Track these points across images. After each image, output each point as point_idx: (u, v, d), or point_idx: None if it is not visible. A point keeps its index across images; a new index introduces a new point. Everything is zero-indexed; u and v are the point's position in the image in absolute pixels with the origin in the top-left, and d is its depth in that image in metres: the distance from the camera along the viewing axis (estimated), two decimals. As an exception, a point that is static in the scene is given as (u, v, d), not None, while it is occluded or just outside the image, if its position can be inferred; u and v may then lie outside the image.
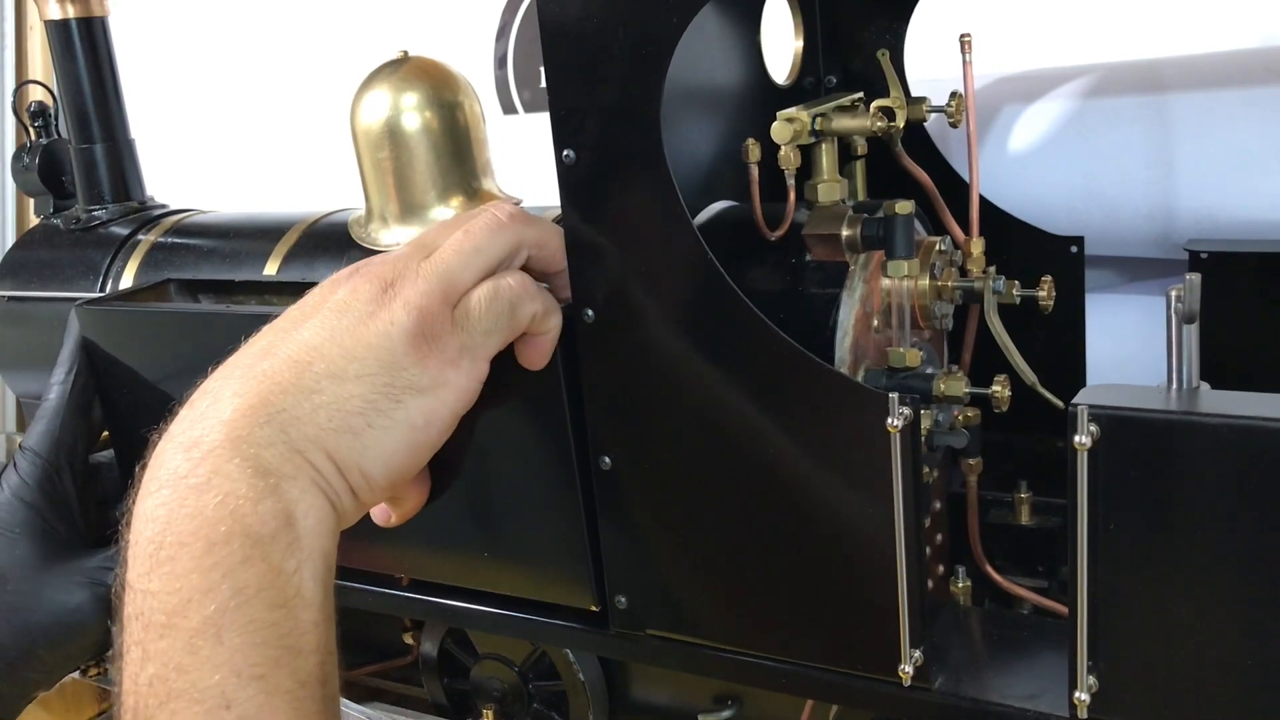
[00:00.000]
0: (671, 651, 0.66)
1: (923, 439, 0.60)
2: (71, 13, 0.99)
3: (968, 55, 0.66)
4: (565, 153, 0.58)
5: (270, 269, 0.85)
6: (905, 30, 0.77)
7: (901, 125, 0.67)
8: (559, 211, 0.60)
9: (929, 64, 0.78)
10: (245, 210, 0.97)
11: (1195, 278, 0.50)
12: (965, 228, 0.70)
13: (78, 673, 1.01)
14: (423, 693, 0.94)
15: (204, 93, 1.61)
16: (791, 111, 0.63)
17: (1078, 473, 0.51)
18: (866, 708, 0.67)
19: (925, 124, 0.72)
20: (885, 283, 0.64)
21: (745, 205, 0.66)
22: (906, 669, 0.57)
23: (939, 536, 0.71)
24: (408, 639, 0.95)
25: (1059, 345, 0.78)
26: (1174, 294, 0.50)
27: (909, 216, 0.62)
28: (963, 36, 0.66)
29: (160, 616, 0.49)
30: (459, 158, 0.78)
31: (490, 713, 0.87)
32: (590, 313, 0.60)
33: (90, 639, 0.73)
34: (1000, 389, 0.64)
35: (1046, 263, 0.75)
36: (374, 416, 0.55)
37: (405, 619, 0.94)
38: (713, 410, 0.58)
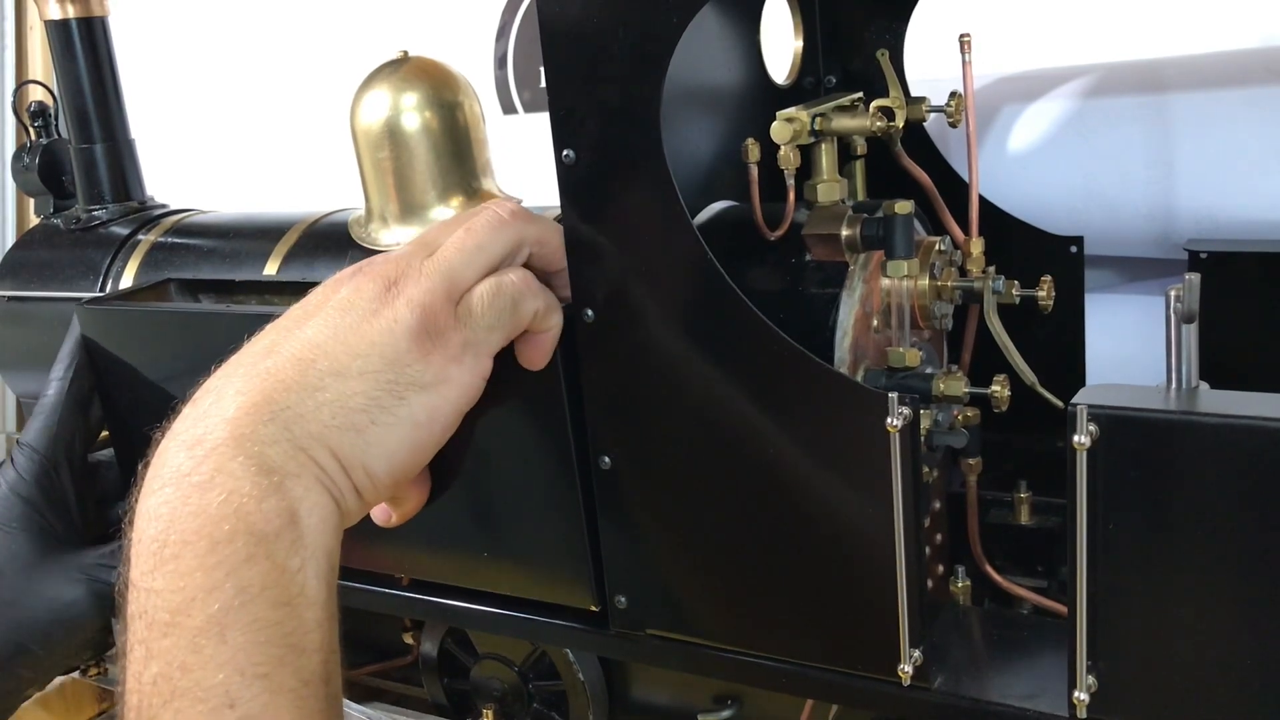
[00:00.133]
0: (671, 651, 0.66)
1: (922, 439, 0.60)
2: (71, 13, 0.99)
3: (967, 55, 0.66)
4: (565, 153, 0.58)
5: (270, 269, 0.85)
6: (905, 30, 0.77)
7: (901, 125, 0.67)
8: (559, 211, 0.60)
9: (929, 64, 0.78)
10: (245, 210, 0.97)
11: (1195, 278, 0.50)
12: (965, 228, 0.70)
13: (78, 673, 1.02)
14: (423, 693, 0.94)
15: (204, 93, 1.61)
16: (791, 111, 0.63)
17: (1077, 473, 0.51)
18: (866, 708, 0.67)
19: (925, 124, 0.72)
20: (885, 283, 0.64)
21: (745, 205, 0.66)
22: (906, 669, 0.57)
23: (939, 536, 0.71)
24: (408, 639, 0.95)
25: (1059, 345, 0.78)
26: (1173, 294, 0.50)
27: (909, 216, 0.62)
28: (963, 36, 0.66)
29: (164, 615, 0.49)
30: (459, 158, 0.78)
31: (490, 713, 0.87)
32: (590, 312, 0.60)
33: (85, 635, 0.73)
34: (1000, 389, 0.64)
35: (1046, 263, 0.75)
36: (377, 413, 0.55)
37: (405, 619, 0.94)
38: (713, 410, 0.59)
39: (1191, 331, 0.51)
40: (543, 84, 1.04)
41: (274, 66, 1.54)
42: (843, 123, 0.65)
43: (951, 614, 0.67)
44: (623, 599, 0.65)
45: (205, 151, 1.57)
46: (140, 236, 0.96)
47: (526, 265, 0.61)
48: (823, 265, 0.64)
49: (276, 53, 1.54)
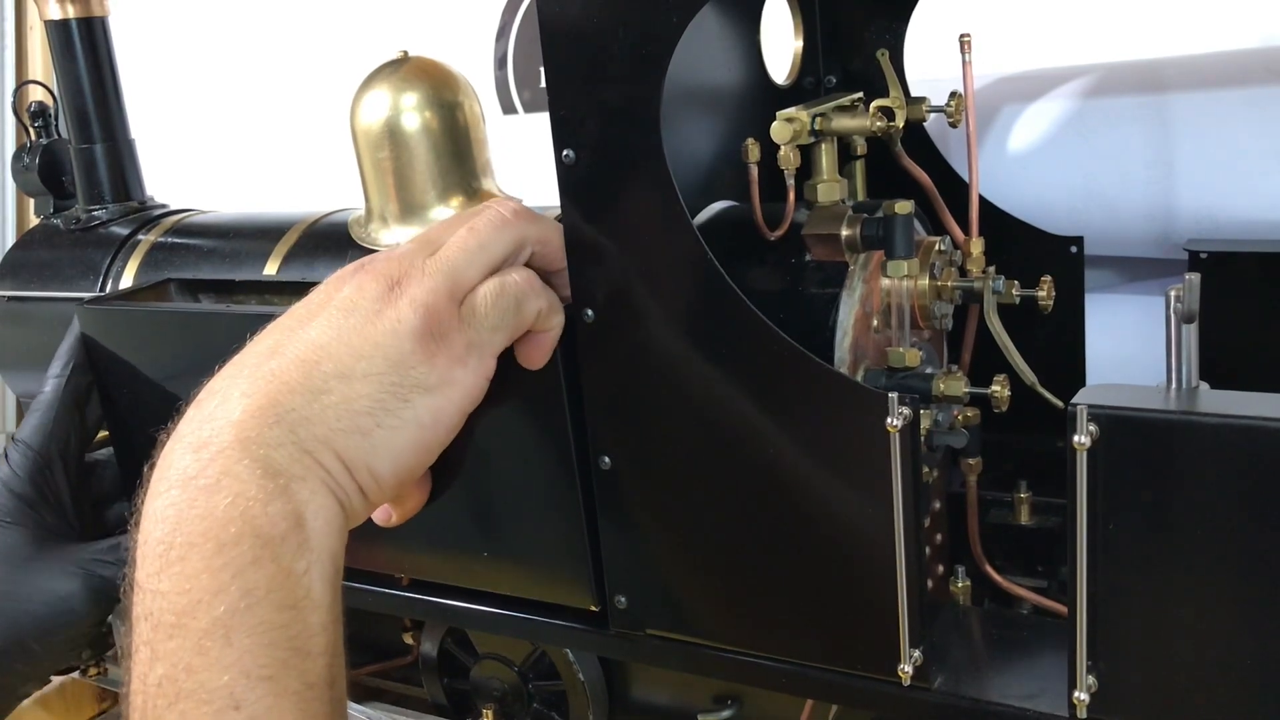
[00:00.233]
0: (671, 651, 0.66)
1: (922, 439, 0.60)
2: (71, 13, 0.99)
3: (968, 55, 0.66)
4: (565, 153, 0.58)
5: (270, 269, 0.85)
6: (905, 30, 0.77)
7: (901, 125, 0.67)
8: (559, 211, 0.60)
9: (929, 64, 0.78)
10: (245, 210, 0.97)
11: (1195, 278, 0.50)
12: (965, 228, 0.70)
13: (78, 673, 1.01)
14: (423, 693, 0.94)
15: (204, 93, 1.61)
16: (791, 111, 0.63)
17: (1077, 473, 0.51)
18: (866, 708, 0.67)
19: (925, 124, 0.72)
20: (885, 283, 0.64)
21: (745, 205, 0.66)
22: (906, 669, 0.57)
23: (939, 536, 0.71)
24: (408, 639, 0.95)
25: (1059, 345, 0.78)
26: (1174, 294, 0.50)
27: (909, 216, 0.62)
28: (963, 36, 0.66)
29: (169, 617, 0.49)
30: (459, 158, 0.78)
31: (490, 713, 0.87)
32: (590, 312, 0.60)
33: (81, 630, 0.73)
34: (1000, 389, 0.64)
35: (1046, 263, 0.75)
36: (383, 416, 0.55)
37: (405, 619, 0.94)
38: (713, 410, 0.59)
39: (1191, 331, 0.51)
40: (543, 84, 1.04)
41: (274, 66, 1.54)
42: (843, 123, 0.65)
43: (951, 614, 0.67)
44: (623, 599, 0.65)
45: (205, 151, 1.56)
46: (140, 236, 0.96)
47: (527, 265, 0.61)
48: (823, 265, 0.64)
49: (276, 53, 1.54)
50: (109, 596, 0.72)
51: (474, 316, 0.57)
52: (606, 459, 0.62)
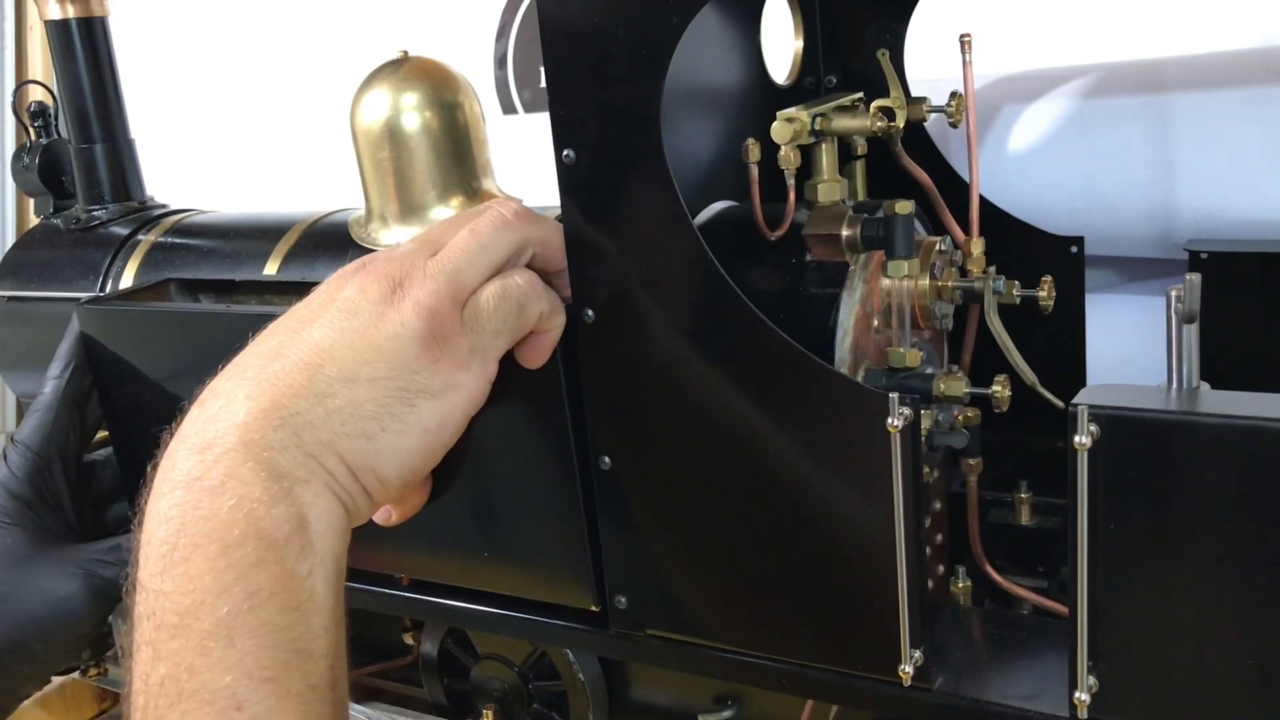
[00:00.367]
0: (671, 651, 0.66)
1: (923, 439, 0.60)
2: (71, 13, 0.99)
3: (968, 55, 0.66)
4: (565, 153, 0.58)
5: (270, 269, 0.85)
6: (905, 30, 0.77)
7: (901, 125, 0.67)
8: (559, 211, 0.60)
9: (929, 64, 0.78)
10: (245, 210, 0.97)
11: (1195, 278, 0.50)
12: (965, 228, 0.70)
13: (78, 673, 1.01)
14: (423, 693, 0.94)
15: (204, 93, 1.61)
16: (791, 111, 0.63)
17: (1078, 473, 0.51)
18: (866, 708, 0.67)
19: (925, 124, 0.72)
20: (885, 283, 0.64)
21: (745, 205, 0.66)
22: (906, 669, 0.57)
23: (939, 536, 0.71)
24: (408, 639, 0.95)
25: (1059, 345, 0.78)
26: (1174, 294, 0.50)
27: (909, 216, 0.62)
28: (963, 36, 0.66)
29: (172, 617, 0.50)
30: (459, 158, 0.78)
31: (490, 713, 0.87)
32: (590, 313, 0.60)
33: (82, 630, 0.73)
34: (1000, 389, 0.64)
35: (1046, 263, 0.75)
36: (387, 421, 0.55)
37: (405, 619, 0.94)
38: (713, 410, 0.58)
39: (1192, 331, 0.51)
40: (543, 84, 1.04)
41: (274, 66, 1.54)
42: (843, 123, 0.65)
43: (952, 614, 0.67)
44: (623, 599, 0.65)
45: (205, 151, 1.56)
46: (140, 236, 0.96)
47: (528, 266, 0.61)
48: (823, 265, 0.64)
49: (276, 53, 1.54)
50: (109, 597, 0.72)
51: (477, 320, 0.57)
52: (606, 459, 0.62)
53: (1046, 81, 0.89)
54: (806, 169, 0.66)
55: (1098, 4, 0.93)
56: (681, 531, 0.62)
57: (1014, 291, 0.67)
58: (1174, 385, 0.51)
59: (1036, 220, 0.79)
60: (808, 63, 0.78)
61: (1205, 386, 0.51)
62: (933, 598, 0.67)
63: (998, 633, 0.64)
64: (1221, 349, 0.63)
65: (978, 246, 0.69)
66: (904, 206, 0.62)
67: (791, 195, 0.63)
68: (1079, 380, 0.78)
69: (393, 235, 0.79)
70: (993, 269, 0.68)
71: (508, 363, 0.60)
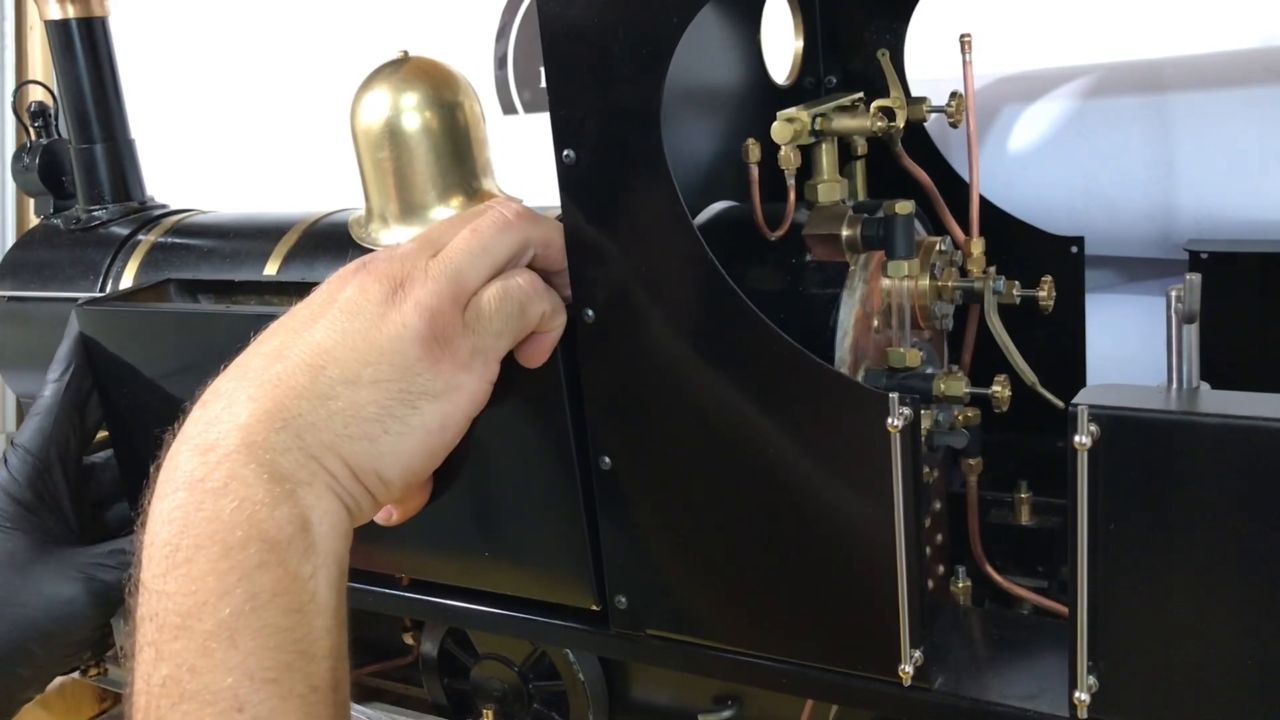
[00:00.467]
0: (671, 651, 0.66)
1: (923, 439, 0.60)
2: (71, 13, 0.99)
3: (968, 55, 0.66)
4: (565, 153, 0.58)
5: (270, 269, 0.85)
6: (905, 30, 0.77)
7: (901, 125, 0.67)
8: (559, 211, 0.60)
9: (929, 64, 0.78)
10: (245, 210, 0.97)
11: (1195, 278, 0.50)
12: (965, 228, 0.70)
13: (78, 673, 1.01)
14: (423, 693, 0.94)
15: (204, 93, 1.61)
16: (791, 111, 0.63)
17: (1078, 473, 0.51)
18: (866, 708, 0.67)
19: (925, 124, 0.72)
20: (885, 283, 0.64)
21: (745, 205, 0.66)
22: (906, 669, 0.57)
23: (939, 536, 0.71)
24: (408, 639, 0.95)
25: (1059, 345, 0.78)
26: (1174, 294, 0.50)
27: (909, 216, 0.62)
28: (963, 36, 0.66)
29: (175, 618, 0.50)
30: (459, 158, 0.78)
31: (490, 713, 0.87)
32: (590, 313, 0.60)
33: (83, 633, 0.73)
34: (1000, 389, 0.64)
35: (1046, 263, 0.75)
36: (390, 423, 0.55)
37: (405, 619, 0.94)
38: (713, 410, 0.58)
39: (1192, 331, 0.51)
40: (543, 84, 1.04)
41: (274, 66, 1.54)
42: (843, 123, 0.65)
43: (952, 614, 0.67)
44: (623, 599, 0.65)
45: (205, 151, 1.56)
46: (140, 237, 0.96)
47: (529, 266, 0.61)
48: (823, 265, 0.64)
49: (276, 53, 1.54)
50: (111, 600, 0.72)
51: (478, 321, 0.57)
52: (606, 459, 0.62)
53: (1046, 81, 0.89)
54: (806, 169, 0.66)
55: (1098, 4, 0.93)
56: (681, 531, 0.62)
57: (1014, 291, 0.67)
58: (1174, 385, 0.51)
59: (1036, 220, 0.79)
60: (808, 63, 0.78)
61: (1205, 386, 0.51)
62: (933, 598, 0.67)
63: (997, 633, 0.64)
64: (1221, 349, 0.63)
65: (978, 246, 0.69)
66: (904, 206, 0.62)
67: (791, 195, 0.63)
68: (1079, 380, 0.79)
69: (393, 235, 0.79)
70: (993, 269, 0.68)
71: (508, 363, 0.60)
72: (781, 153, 0.62)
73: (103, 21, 1.01)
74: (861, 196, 0.74)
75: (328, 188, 1.02)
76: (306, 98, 1.45)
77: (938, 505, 0.71)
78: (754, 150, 0.65)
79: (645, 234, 0.58)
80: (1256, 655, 0.50)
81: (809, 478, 0.57)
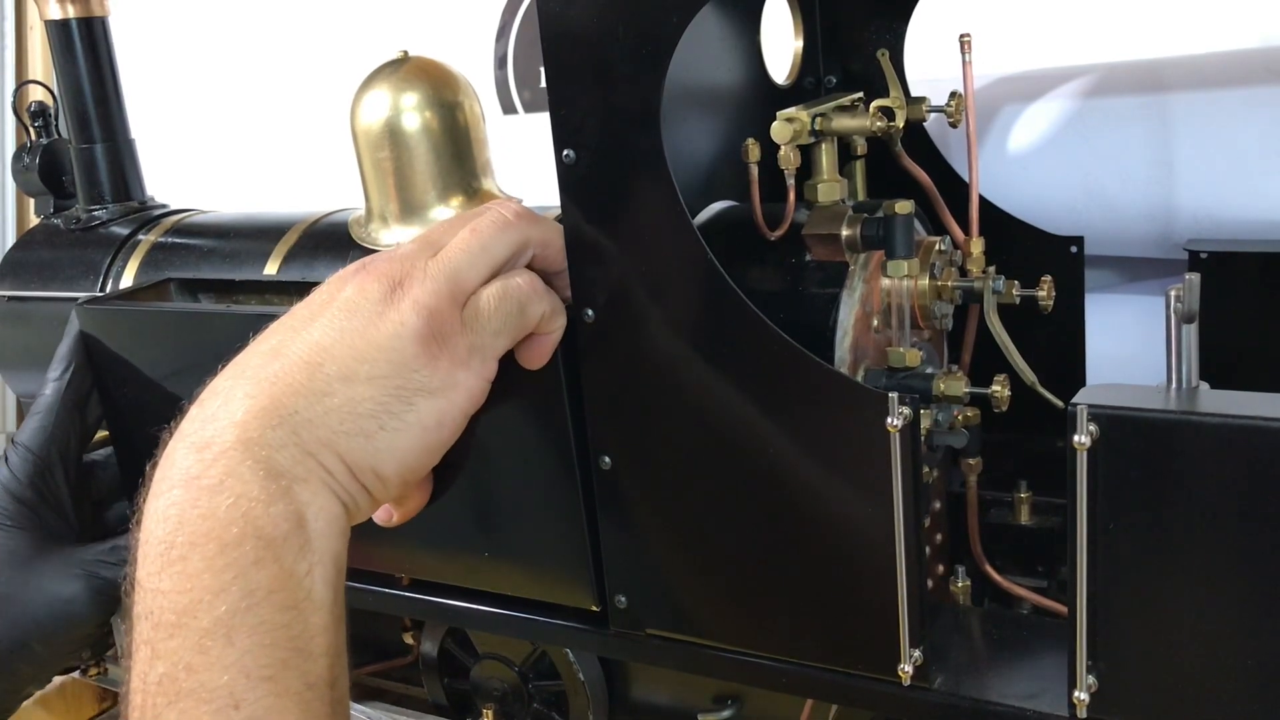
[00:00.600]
0: (671, 651, 0.66)
1: (923, 439, 0.60)
2: (71, 13, 0.99)
3: (968, 55, 0.67)
4: (565, 153, 0.58)
5: (270, 269, 0.85)
6: (905, 30, 0.77)
7: (901, 125, 0.67)
8: (559, 211, 0.60)
9: (929, 64, 0.78)
10: (245, 210, 0.97)
11: (1195, 278, 0.50)
12: (965, 228, 0.70)
13: (78, 673, 1.02)
14: (423, 693, 0.94)
15: (204, 93, 1.61)
16: (791, 111, 0.63)
17: (1077, 473, 0.51)
18: (866, 707, 0.67)
19: (925, 124, 0.72)
20: (885, 283, 0.64)
21: (745, 205, 0.66)
22: (906, 668, 0.57)
23: (939, 536, 0.71)
24: (408, 639, 0.95)
25: (1059, 345, 0.78)
26: (1174, 294, 0.50)
27: (909, 216, 0.62)
28: (963, 36, 0.66)
29: (170, 616, 0.50)
30: (459, 158, 0.78)
31: (490, 713, 0.87)
32: (590, 313, 0.60)
33: (84, 631, 0.73)
34: (1000, 389, 0.64)
35: (1046, 263, 0.75)
36: (386, 419, 0.55)
37: (405, 619, 0.94)
38: (713, 410, 0.59)
39: (1191, 331, 0.51)
40: (543, 84, 1.04)
41: (274, 66, 1.54)
42: (843, 123, 0.65)
43: (951, 614, 0.67)
44: (623, 599, 0.65)
45: (205, 151, 1.56)
46: (140, 236, 0.96)
47: (529, 266, 0.61)
48: (823, 265, 0.64)
49: (276, 53, 1.54)
50: (111, 598, 0.72)
51: (477, 320, 0.57)
52: (606, 459, 0.62)
53: (1046, 81, 0.88)
54: (806, 169, 0.66)
55: (1098, 4, 0.93)
56: (681, 531, 0.62)
57: (1014, 291, 0.67)
58: (1173, 385, 0.51)
59: (1036, 220, 0.79)
60: (808, 63, 0.78)
61: (1205, 386, 0.51)
62: (932, 597, 0.67)
63: (997, 632, 0.64)
64: (1221, 349, 0.63)
65: (977, 246, 0.69)
66: (904, 206, 0.62)
67: (791, 195, 0.63)
68: (1079, 380, 0.79)
69: (393, 235, 0.79)
70: (992, 269, 0.68)
71: (508, 363, 0.60)
72: (781, 152, 0.62)
73: (103, 21, 1.01)
74: (861, 196, 0.74)
75: (328, 188, 1.02)
76: (306, 98, 1.45)
77: (937, 505, 0.71)
78: (754, 150, 0.65)
79: (645, 234, 0.58)
80: (1256, 655, 0.50)
81: (809, 477, 0.57)
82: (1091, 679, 0.53)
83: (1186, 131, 0.83)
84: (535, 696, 0.86)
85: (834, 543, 0.58)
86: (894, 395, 0.53)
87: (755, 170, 0.65)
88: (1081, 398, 0.50)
